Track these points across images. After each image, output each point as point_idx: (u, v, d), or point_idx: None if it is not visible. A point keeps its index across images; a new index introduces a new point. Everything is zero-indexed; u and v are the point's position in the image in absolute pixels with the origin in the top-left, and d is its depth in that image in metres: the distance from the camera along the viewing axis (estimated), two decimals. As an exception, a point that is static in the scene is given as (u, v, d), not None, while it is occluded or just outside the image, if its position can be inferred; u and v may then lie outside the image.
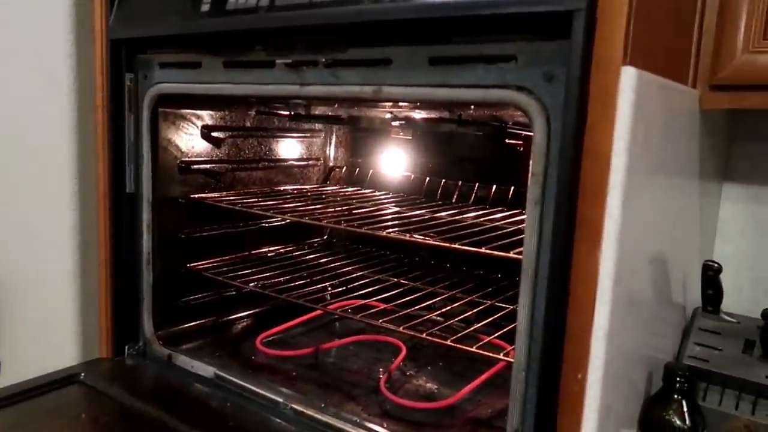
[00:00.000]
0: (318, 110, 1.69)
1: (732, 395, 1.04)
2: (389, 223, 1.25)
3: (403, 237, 1.07)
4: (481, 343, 1.03)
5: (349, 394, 1.20)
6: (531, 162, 0.81)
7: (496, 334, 1.12)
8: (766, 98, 0.99)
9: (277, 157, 1.64)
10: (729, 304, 1.20)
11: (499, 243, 1.05)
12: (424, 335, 1.04)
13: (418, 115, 1.36)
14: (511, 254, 0.95)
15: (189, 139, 1.40)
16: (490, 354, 0.99)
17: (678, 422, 0.92)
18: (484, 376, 1.21)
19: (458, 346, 1.01)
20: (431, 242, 1.04)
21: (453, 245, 1.00)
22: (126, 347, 1.36)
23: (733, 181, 1.36)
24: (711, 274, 1.13)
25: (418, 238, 1.06)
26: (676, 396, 0.93)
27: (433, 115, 1.31)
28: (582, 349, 0.77)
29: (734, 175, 1.35)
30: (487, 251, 0.98)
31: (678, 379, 0.93)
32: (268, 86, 1.08)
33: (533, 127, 0.81)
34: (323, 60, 1.00)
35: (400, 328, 1.08)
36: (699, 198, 1.19)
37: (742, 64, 1.00)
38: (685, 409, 0.93)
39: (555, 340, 0.79)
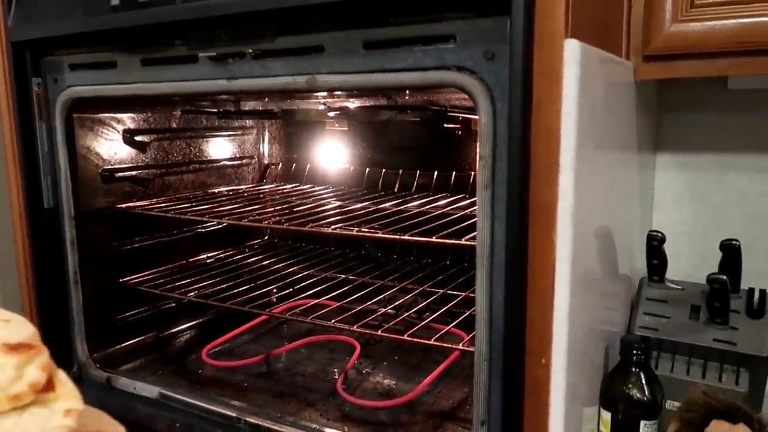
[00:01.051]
0: (248, 105, 1.62)
1: (682, 361, 1.06)
2: (332, 219, 1.20)
3: (349, 232, 1.03)
4: (438, 335, 1.00)
5: (305, 400, 1.15)
6: (478, 145, 0.78)
7: (452, 324, 1.09)
8: (697, 66, 1.00)
9: (208, 158, 1.56)
10: (669, 272, 1.22)
11: (448, 231, 1.02)
12: (379, 333, 1.00)
13: (354, 104, 1.31)
14: (463, 241, 0.93)
15: (110, 145, 1.31)
16: (448, 345, 0.97)
17: (638, 394, 0.93)
18: (441, 367, 1.19)
19: (415, 340, 0.97)
20: (380, 235, 1.00)
21: (403, 237, 0.97)
22: (58, 374, 1.26)
23: (665, 150, 1.38)
24: (655, 244, 1.14)
25: (365, 232, 1.02)
26: (633, 369, 0.94)
27: (369, 103, 1.27)
28: (544, 334, 0.75)
29: (665, 145, 1.38)
30: (439, 240, 0.95)
31: (634, 352, 0.94)
32: (193, 83, 1.01)
33: (478, 109, 0.78)
34: (250, 51, 0.93)
35: (354, 327, 1.04)
36: (638, 170, 1.21)
37: (672, 34, 1.00)
38: (643, 380, 0.93)
39: (516, 328, 0.77)
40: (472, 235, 0.94)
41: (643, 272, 1.24)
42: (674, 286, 1.19)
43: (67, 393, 0.43)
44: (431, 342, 0.97)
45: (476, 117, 1.32)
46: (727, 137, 1.30)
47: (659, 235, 1.13)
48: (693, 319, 1.10)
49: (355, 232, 1.02)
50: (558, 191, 0.72)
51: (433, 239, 0.94)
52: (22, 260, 1.25)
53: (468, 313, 1.14)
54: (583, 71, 0.71)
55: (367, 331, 1.04)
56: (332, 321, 1.06)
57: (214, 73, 0.98)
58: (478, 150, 0.78)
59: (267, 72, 0.93)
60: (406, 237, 0.96)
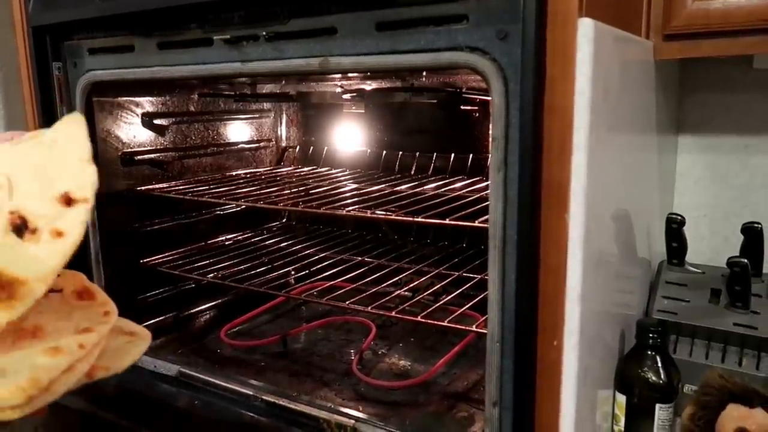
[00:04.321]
0: (265, 89, 1.62)
1: (702, 345, 1.05)
2: (348, 201, 1.21)
3: (364, 214, 1.03)
4: (452, 316, 1.00)
5: (321, 379, 1.16)
6: (491, 126, 0.77)
7: (467, 306, 1.09)
8: (719, 45, 0.98)
9: (227, 141, 1.57)
10: (690, 255, 1.20)
11: (463, 213, 1.02)
12: (393, 314, 1.01)
13: (370, 86, 1.31)
14: (476, 223, 0.92)
15: (130, 128, 1.32)
16: (462, 327, 0.97)
17: (653, 378, 0.92)
18: (456, 349, 1.19)
19: (429, 321, 0.98)
20: (394, 217, 1.00)
21: (416, 219, 0.97)
22: (82, 353, 1.29)
23: (687, 132, 1.36)
24: (675, 227, 1.12)
25: (379, 214, 1.02)
26: (649, 352, 0.93)
27: (384, 84, 1.26)
28: (556, 315, 0.75)
29: (687, 127, 1.35)
30: (452, 222, 0.95)
31: (651, 335, 0.93)
32: (207, 66, 1.01)
33: (490, 89, 0.77)
34: (264, 34, 0.94)
35: (369, 308, 1.05)
36: (658, 152, 1.19)
37: (694, 12, 0.98)
38: (659, 364, 0.93)
39: (528, 309, 0.77)
40: (486, 217, 0.94)
41: (662, 255, 1.22)
42: (694, 269, 1.18)
43: (105, 300, 0.55)
44: (445, 324, 0.97)
45: (489, 98, 1.32)
46: (753, 118, 1.27)
47: (679, 218, 1.12)
48: (713, 303, 1.08)
49: (369, 214, 1.02)
50: (571, 171, 0.72)
51: (447, 221, 0.94)
52: (46, 242, 1.28)
53: (483, 295, 1.14)
54: (597, 50, 0.70)
55: (382, 312, 1.05)
56: (347, 302, 1.07)
57: (228, 56, 0.98)
58: (490, 131, 0.77)
59: (280, 54, 0.93)
60: (419, 219, 0.97)
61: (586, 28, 0.69)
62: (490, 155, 0.78)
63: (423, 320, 0.98)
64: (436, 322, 0.98)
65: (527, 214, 0.75)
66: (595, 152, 0.73)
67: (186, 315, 1.46)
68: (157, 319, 1.40)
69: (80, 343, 0.45)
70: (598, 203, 0.77)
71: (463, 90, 1.13)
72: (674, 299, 1.12)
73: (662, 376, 0.92)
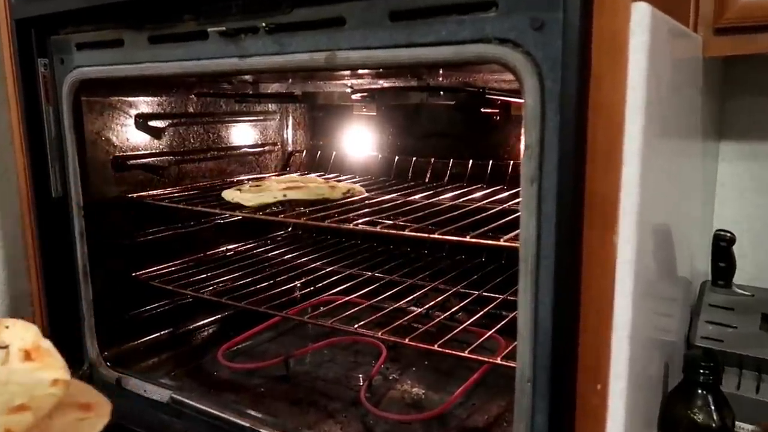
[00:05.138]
0: (270, 88, 1.52)
1: (751, 377, 0.93)
2: (358, 213, 1.09)
3: (373, 229, 0.92)
4: (471, 348, 0.89)
5: (325, 409, 1.05)
6: (523, 131, 0.66)
7: (492, 331, 0.98)
8: (778, 40, 0.86)
9: (229, 144, 1.47)
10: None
11: (485, 228, 0.91)
12: (406, 341, 0.90)
13: (382, 85, 1.20)
14: (502, 242, 0.81)
15: (122, 131, 1.23)
16: (486, 359, 0.86)
17: (705, 419, 0.80)
18: (475, 376, 1.08)
19: (446, 351, 0.87)
20: (407, 234, 0.89)
21: (433, 236, 0.86)
22: (68, 373, 1.19)
23: (730, 139, 1.24)
24: (723, 245, 1.01)
25: (390, 230, 0.91)
26: (699, 390, 0.81)
27: (398, 83, 1.16)
28: (600, 355, 0.64)
29: (731, 133, 1.23)
30: (473, 240, 0.83)
31: (702, 371, 0.81)
32: (202, 62, 0.91)
33: (523, 88, 0.66)
34: (264, 25, 0.83)
35: (379, 334, 0.94)
36: (701, 159, 1.07)
37: (749, 3, 0.86)
38: (711, 404, 0.81)
39: (566, 346, 0.66)
40: (513, 234, 0.83)
41: (704, 275, 1.11)
42: (742, 291, 1.06)
43: (54, 363, 0.46)
44: (465, 354, 0.86)
45: (517, 100, 1.21)
46: (805, 124, 1.15)
47: (728, 235, 1.00)
48: (764, 329, 0.97)
49: (379, 230, 0.91)
50: (620, 184, 0.60)
51: (468, 239, 0.83)
52: (31, 252, 1.18)
53: (509, 318, 1.03)
54: (653, 40, 0.59)
55: (394, 339, 0.94)
56: (355, 326, 0.96)
57: (225, 50, 0.88)
58: (523, 137, 0.66)
59: (282, 48, 0.83)
60: (436, 236, 0.86)
61: (641, 14, 0.58)
62: (522, 164, 0.67)
63: (440, 349, 0.87)
64: (454, 353, 0.87)
65: (566, 233, 0.64)
66: (648, 161, 0.61)
67: (183, 331, 1.36)
68: (152, 336, 1.30)
69: (7, 429, 0.34)
70: (647, 220, 0.66)
71: (486, 90, 1.02)
72: (720, 324, 1.01)
73: (715, 418, 0.80)
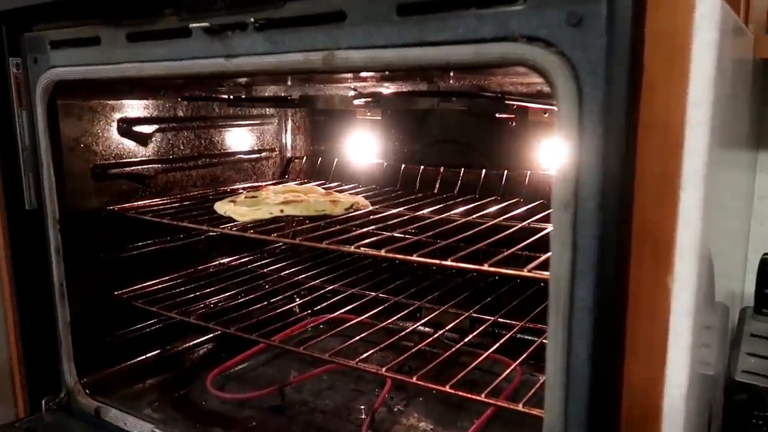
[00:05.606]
0: (267, 91, 1.42)
1: (800, 418, 0.82)
2: (361, 231, 0.99)
3: (377, 253, 0.82)
4: (490, 387, 0.78)
5: (323, 449, 0.95)
6: (557, 145, 0.55)
7: (515, 363, 0.87)
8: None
9: (222, 150, 1.36)
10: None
11: (505, 253, 0.80)
12: (414, 380, 0.79)
13: (388, 89, 1.09)
14: (526, 272, 0.70)
15: (104, 137, 1.12)
16: (506, 404, 0.75)
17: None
18: (488, 413, 0.97)
19: (460, 393, 0.76)
20: (414, 258, 0.78)
21: (445, 262, 0.75)
22: (43, 401, 1.09)
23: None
24: (772, 270, 0.90)
25: (396, 254, 0.80)
26: (753, 442, 0.70)
27: (405, 88, 1.05)
28: (648, 418, 0.53)
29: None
30: (492, 269, 0.73)
31: (754, 421, 0.70)
32: (184, 63, 0.81)
33: (556, 95, 0.55)
34: (253, 21, 0.73)
35: (383, 370, 0.83)
36: (743, 172, 0.96)
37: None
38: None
39: (607, 404, 0.55)
40: (538, 262, 0.72)
41: (741, 298, 1.00)
42: (789, 321, 0.95)
43: None
44: (481, 398, 0.75)
45: (535, 105, 1.10)
46: None
47: (777, 259, 0.89)
48: (816, 365, 0.86)
49: (384, 253, 0.80)
50: (677, 213, 0.50)
51: (486, 267, 0.72)
52: (4, 270, 1.08)
53: (532, 348, 0.92)
54: (721, 40, 0.48)
55: (401, 378, 0.83)
56: (356, 361, 0.85)
57: (209, 49, 0.78)
58: (556, 153, 0.56)
59: (274, 48, 0.73)
60: (448, 263, 0.75)
61: (709, 6, 0.47)
62: (554, 187, 0.56)
63: (452, 391, 0.76)
64: (470, 396, 0.76)
65: (608, 272, 0.53)
66: (710, 185, 0.51)
67: (172, 353, 1.25)
68: (137, 360, 1.20)
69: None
70: (704, 254, 0.55)
71: (503, 95, 0.91)
72: (763, 357, 0.90)
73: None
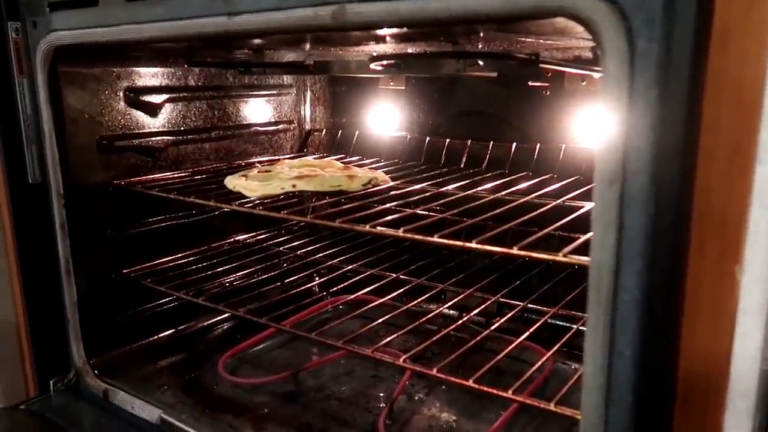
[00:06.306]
0: (285, 57, 1.34)
1: None
2: (381, 208, 0.91)
3: (395, 233, 0.74)
4: (520, 381, 0.70)
5: (337, 440, 0.89)
6: (602, 109, 0.47)
7: (550, 353, 0.80)
8: None
9: (237, 122, 1.30)
10: None
11: (538, 234, 0.72)
12: (434, 372, 0.72)
13: (409, 50, 1.01)
14: (561, 256, 0.62)
15: (110, 107, 1.06)
16: (537, 403, 0.67)
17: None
18: (515, 405, 0.90)
19: (484, 389, 0.69)
20: (436, 240, 0.71)
21: (470, 244, 0.67)
22: (51, 382, 1.06)
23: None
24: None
25: (415, 235, 0.73)
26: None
27: (430, 48, 0.96)
28: (709, 429, 0.45)
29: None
30: (523, 253, 0.65)
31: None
32: (184, 22, 0.74)
33: (602, 51, 0.47)
34: (256, -28, 0.65)
35: (400, 360, 0.77)
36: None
37: None
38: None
39: (655, 411, 0.47)
40: (576, 244, 0.64)
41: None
42: None
43: None
44: (509, 395, 0.67)
45: (573, 70, 1.00)
46: None
47: None
48: None
49: (402, 233, 0.73)
50: (751, 192, 0.41)
51: (515, 251, 0.64)
52: (10, 246, 1.04)
53: (568, 336, 0.85)
54: (814, -24, 0.39)
55: (419, 369, 0.76)
56: (372, 350, 0.78)
57: (210, 7, 0.71)
58: (601, 120, 0.47)
59: (279, 3, 0.65)
60: (473, 245, 0.67)
61: (802, -69, 0.37)
62: (596, 158, 0.48)
63: (475, 386, 0.69)
64: (495, 392, 0.68)
65: (661, 259, 0.45)
66: (790, 159, 0.42)
67: (186, 333, 1.21)
68: (149, 339, 1.16)
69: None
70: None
71: (538, 57, 0.82)
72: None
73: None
